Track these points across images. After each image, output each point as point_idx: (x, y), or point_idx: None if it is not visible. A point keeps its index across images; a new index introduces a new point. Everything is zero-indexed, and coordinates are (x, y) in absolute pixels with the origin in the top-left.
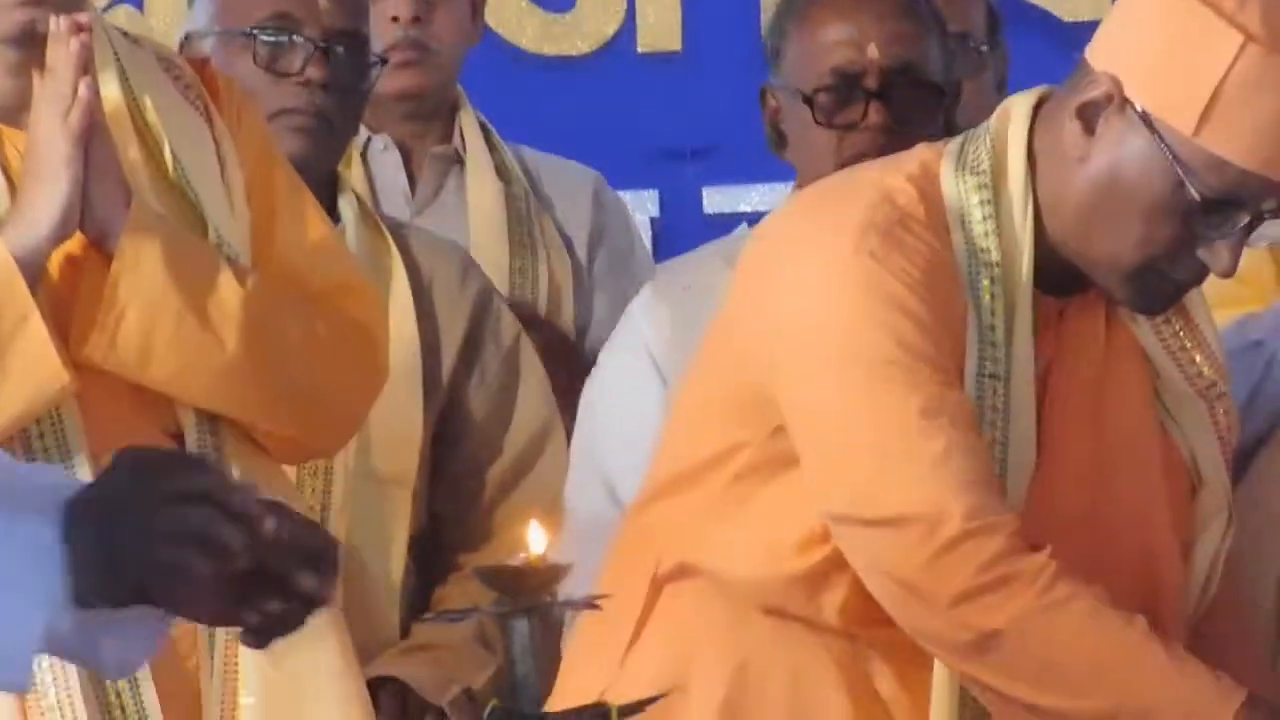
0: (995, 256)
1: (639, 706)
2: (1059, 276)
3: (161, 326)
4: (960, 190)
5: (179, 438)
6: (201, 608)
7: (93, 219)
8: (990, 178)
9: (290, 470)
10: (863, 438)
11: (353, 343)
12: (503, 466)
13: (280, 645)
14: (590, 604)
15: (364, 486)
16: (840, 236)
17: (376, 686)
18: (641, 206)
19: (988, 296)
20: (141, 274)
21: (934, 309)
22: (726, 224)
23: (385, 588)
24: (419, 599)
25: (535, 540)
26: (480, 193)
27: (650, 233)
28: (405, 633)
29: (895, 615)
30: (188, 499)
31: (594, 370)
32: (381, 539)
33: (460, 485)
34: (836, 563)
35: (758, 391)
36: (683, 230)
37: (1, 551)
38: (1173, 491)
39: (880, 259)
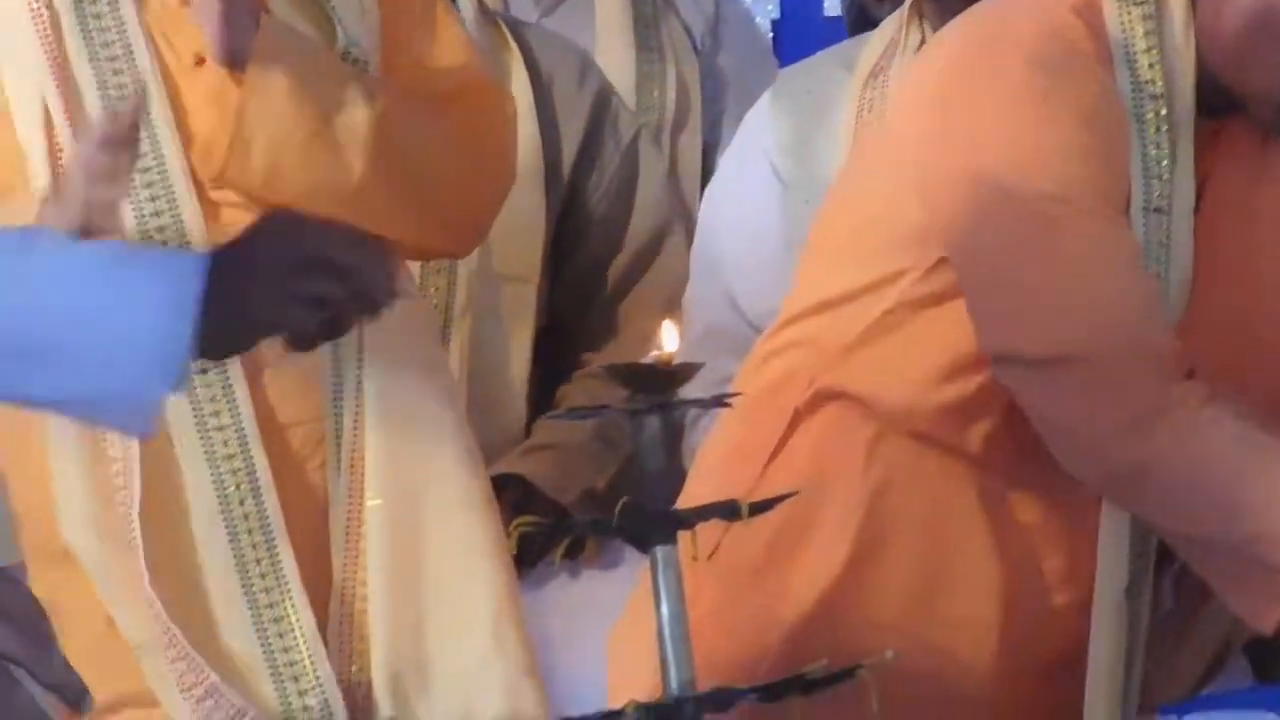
0: (1159, 88)
1: (770, 503)
2: (1213, 98)
3: (288, 153)
4: (1125, 22)
5: None
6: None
7: (224, 44)
8: (1154, 7)
9: (414, 268)
10: (1024, 278)
11: (481, 147)
12: (623, 263)
13: (403, 447)
14: (720, 402)
15: (487, 285)
16: (1010, 73)
17: (500, 485)
18: (762, 9)
19: (1153, 130)
20: (269, 101)
21: (1101, 147)
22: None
23: (509, 386)
24: (542, 397)
25: (668, 339)
26: None
27: (770, 35)
28: (530, 431)
29: (1051, 449)
30: (316, 266)
31: (714, 177)
32: (505, 338)
33: (581, 282)
34: (987, 394)
35: (922, 223)
36: (803, 33)
37: (142, 304)
38: None
39: (1050, 98)
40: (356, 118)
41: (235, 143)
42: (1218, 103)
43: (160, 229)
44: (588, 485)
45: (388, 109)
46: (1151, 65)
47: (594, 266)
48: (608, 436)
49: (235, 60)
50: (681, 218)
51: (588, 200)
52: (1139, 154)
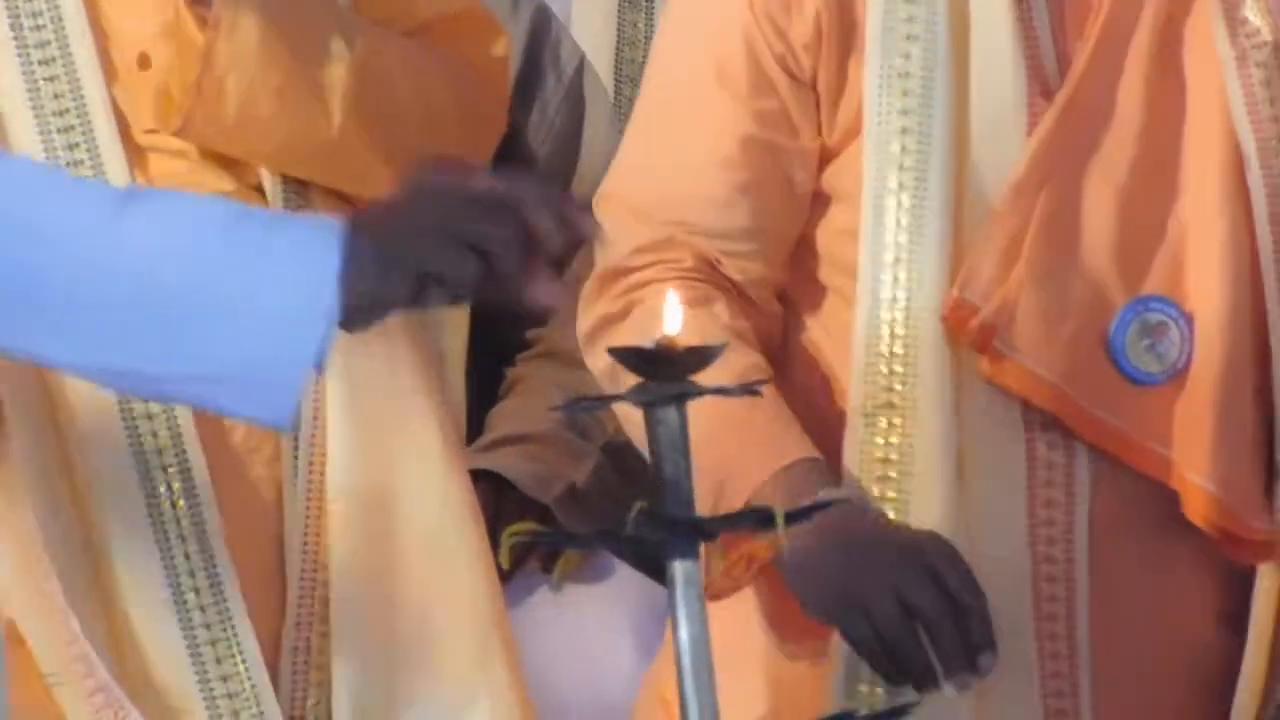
0: None
1: (808, 511)
2: None
3: (263, 100)
4: None
5: (259, 190)
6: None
7: None
8: None
9: None
10: None
11: (470, 88)
12: None
13: (372, 438)
14: (749, 390)
15: None
16: None
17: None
18: None
19: None
20: (239, 44)
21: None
22: None
23: (445, 359)
24: (484, 381)
25: (670, 317)
26: None
27: None
28: (474, 416)
29: None
30: (477, 204)
31: None
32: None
33: None
34: None
35: None
36: None
37: (279, 267)
38: None
39: None
40: (336, 64)
41: (203, 87)
42: None
43: None
44: (568, 481)
45: (368, 51)
46: None
47: None
48: (581, 426)
49: None
50: None
51: (528, 142)
52: None
